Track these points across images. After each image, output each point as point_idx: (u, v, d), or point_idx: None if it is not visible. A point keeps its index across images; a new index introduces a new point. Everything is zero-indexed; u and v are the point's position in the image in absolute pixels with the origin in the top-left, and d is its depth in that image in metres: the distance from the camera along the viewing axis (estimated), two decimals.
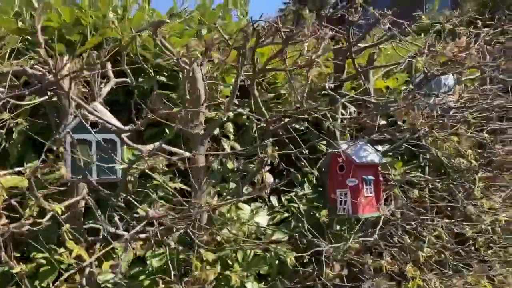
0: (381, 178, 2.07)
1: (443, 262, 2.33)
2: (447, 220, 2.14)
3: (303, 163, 2.55)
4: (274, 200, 2.76)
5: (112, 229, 1.59)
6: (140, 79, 2.31)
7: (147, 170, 2.10)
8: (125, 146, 1.87)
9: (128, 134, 1.66)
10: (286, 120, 1.85)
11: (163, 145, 1.76)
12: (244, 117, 2.59)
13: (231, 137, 2.69)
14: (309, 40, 1.64)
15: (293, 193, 2.66)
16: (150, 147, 1.64)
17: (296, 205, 2.68)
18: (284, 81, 2.53)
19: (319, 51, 1.69)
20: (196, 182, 2.02)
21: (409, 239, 2.24)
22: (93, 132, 1.61)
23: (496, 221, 2.16)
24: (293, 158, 2.41)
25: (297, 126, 2.92)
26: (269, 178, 2.81)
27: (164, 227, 1.60)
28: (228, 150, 2.51)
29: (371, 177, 1.96)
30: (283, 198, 2.74)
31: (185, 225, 1.59)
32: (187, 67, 1.83)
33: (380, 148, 2.77)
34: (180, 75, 2.35)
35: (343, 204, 1.96)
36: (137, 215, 1.59)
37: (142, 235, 1.61)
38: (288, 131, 2.26)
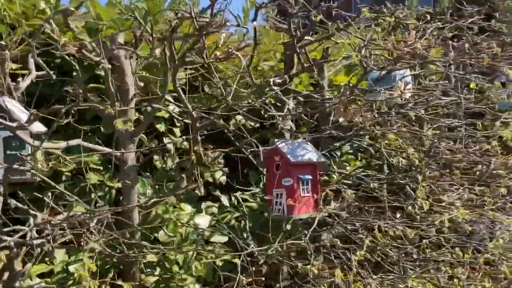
0: (319, 178, 1.98)
1: (401, 264, 2.26)
2: (387, 221, 2.06)
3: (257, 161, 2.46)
4: (225, 199, 2.68)
5: None
6: (74, 73, 2.19)
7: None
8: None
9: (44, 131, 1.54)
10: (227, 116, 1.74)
11: (81, 142, 1.65)
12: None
13: (178, 133, 2.60)
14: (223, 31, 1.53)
15: (240, 192, 2.58)
16: (56, 145, 1.53)
17: (247, 204, 2.60)
18: (230, 77, 2.43)
19: (242, 44, 1.59)
20: (125, 181, 1.92)
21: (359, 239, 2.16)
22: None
23: (443, 222, 2.08)
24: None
25: (252, 124, 2.85)
26: (221, 176, 2.75)
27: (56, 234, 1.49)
28: (170, 146, 2.42)
29: (308, 177, 1.87)
30: (233, 198, 2.66)
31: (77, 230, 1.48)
32: (96, 58, 1.72)
33: (337, 145, 2.69)
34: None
35: (278, 205, 1.87)
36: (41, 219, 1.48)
37: (37, 241, 1.50)
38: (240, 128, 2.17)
